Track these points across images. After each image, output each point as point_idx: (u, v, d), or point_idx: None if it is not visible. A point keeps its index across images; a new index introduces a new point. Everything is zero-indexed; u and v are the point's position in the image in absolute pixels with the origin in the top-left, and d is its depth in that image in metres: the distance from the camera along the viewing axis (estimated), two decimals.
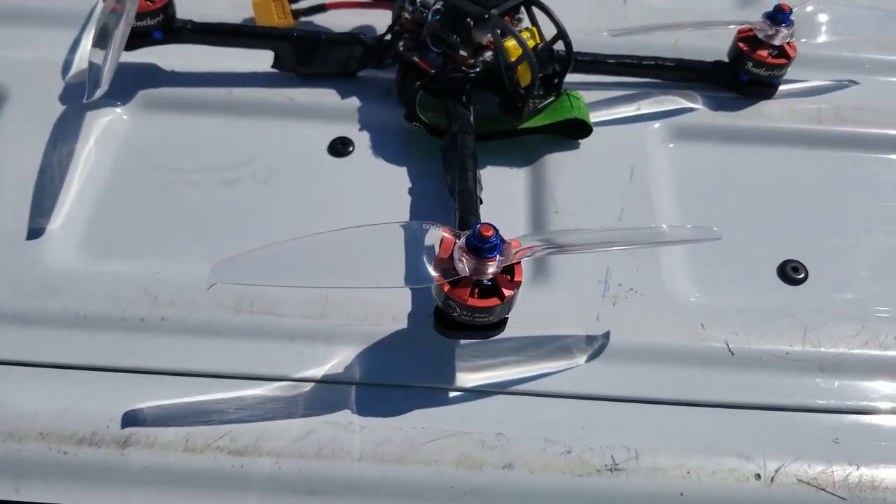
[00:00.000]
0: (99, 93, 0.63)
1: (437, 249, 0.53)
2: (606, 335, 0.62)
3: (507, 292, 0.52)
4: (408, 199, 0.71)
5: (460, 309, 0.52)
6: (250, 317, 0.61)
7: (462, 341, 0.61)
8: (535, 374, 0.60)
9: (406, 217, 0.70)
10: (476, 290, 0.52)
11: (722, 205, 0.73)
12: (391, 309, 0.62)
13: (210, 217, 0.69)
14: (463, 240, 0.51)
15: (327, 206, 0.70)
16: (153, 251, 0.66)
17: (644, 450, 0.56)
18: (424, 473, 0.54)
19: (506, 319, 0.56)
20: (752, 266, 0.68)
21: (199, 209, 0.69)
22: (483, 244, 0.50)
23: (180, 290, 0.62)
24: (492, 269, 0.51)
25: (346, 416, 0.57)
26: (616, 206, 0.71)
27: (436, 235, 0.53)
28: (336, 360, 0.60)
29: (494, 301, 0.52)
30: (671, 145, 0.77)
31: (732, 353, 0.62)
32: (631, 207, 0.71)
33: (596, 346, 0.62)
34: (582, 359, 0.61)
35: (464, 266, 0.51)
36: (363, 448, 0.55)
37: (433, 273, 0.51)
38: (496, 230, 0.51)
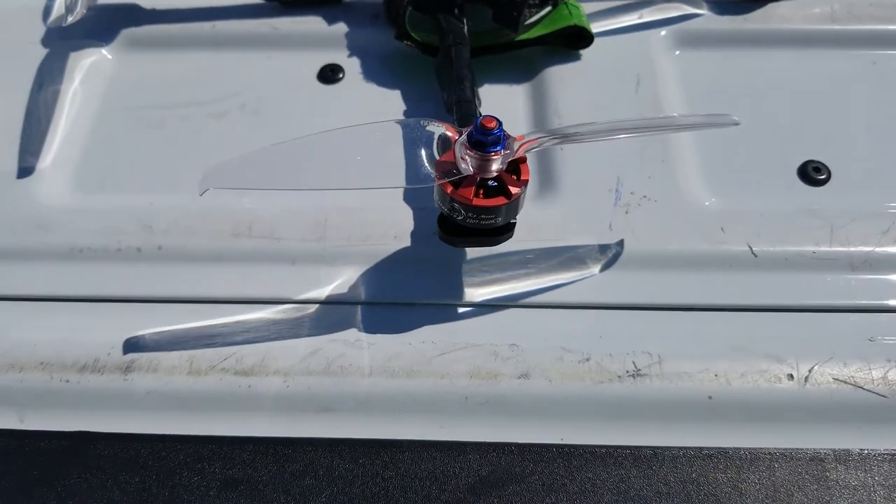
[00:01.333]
0: (75, 16, 0.62)
1: (436, 154, 0.52)
2: (620, 243, 0.61)
3: (513, 190, 0.51)
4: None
5: (465, 211, 0.51)
6: (249, 241, 0.61)
7: (468, 255, 0.60)
8: (547, 286, 0.59)
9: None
10: (481, 192, 0.51)
11: (735, 110, 0.70)
12: (393, 229, 0.62)
13: (200, 149, 0.68)
14: (465, 136, 0.50)
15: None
16: (145, 185, 0.65)
17: (667, 355, 0.55)
18: (437, 386, 0.54)
19: (513, 225, 0.55)
20: (771, 169, 0.67)
21: (189, 142, 0.69)
22: (486, 137, 0.49)
23: (175, 219, 0.62)
24: (496, 164, 0.50)
25: (353, 335, 0.56)
26: (624, 117, 0.69)
27: (437, 132, 0.52)
28: (339, 280, 0.59)
29: (501, 200, 0.51)
30: (678, 52, 0.76)
31: (756, 256, 0.61)
32: (640, 113, 0.69)
33: (610, 254, 0.61)
34: (596, 268, 0.60)
35: (467, 164, 0.50)
36: (372, 364, 0.55)
37: (434, 172, 0.50)
38: (499, 122, 0.49)
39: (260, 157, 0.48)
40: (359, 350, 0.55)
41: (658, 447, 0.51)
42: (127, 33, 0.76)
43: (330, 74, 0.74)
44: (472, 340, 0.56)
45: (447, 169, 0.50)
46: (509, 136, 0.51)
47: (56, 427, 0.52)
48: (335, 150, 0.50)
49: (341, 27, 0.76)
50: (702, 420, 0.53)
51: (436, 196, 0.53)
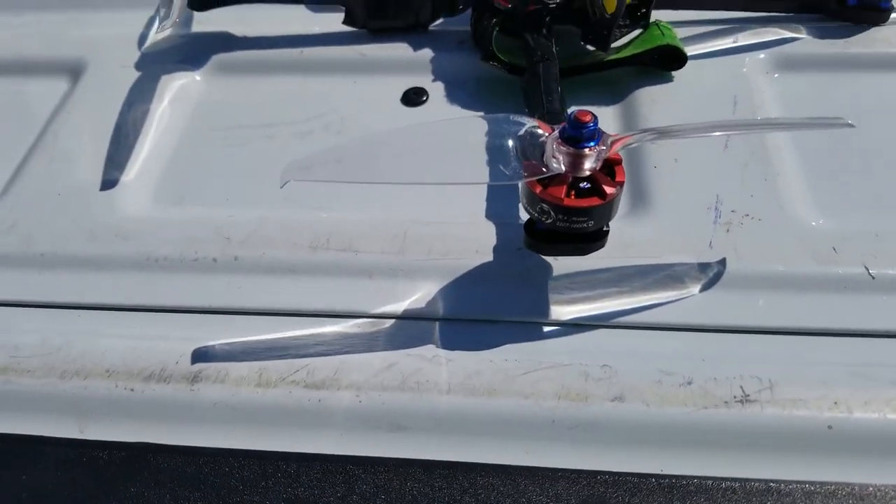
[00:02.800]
0: (170, 22, 0.62)
1: (525, 151, 0.48)
2: (722, 262, 0.55)
3: (608, 190, 0.46)
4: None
5: (555, 213, 0.46)
6: (326, 254, 0.58)
7: (555, 272, 0.55)
8: (641, 306, 0.53)
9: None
10: (572, 193, 0.46)
11: (840, 133, 0.65)
12: (475, 244, 0.57)
13: (283, 165, 0.66)
14: (557, 131, 0.46)
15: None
16: (226, 199, 0.63)
17: (779, 380, 0.48)
18: (521, 406, 0.48)
19: (606, 232, 0.50)
20: (883, 189, 0.60)
21: (272, 159, 0.66)
22: (580, 131, 0.45)
23: (253, 230, 0.59)
24: (590, 162, 0.46)
25: (430, 350, 0.52)
26: (720, 138, 0.64)
27: (527, 127, 0.48)
28: (417, 295, 0.55)
29: (594, 200, 0.46)
30: (776, 75, 0.70)
31: (873, 278, 0.53)
32: (737, 137, 0.64)
33: (711, 274, 0.55)
34: (695, 288, 0.54)
35: (559, 162, 0.46)
36: (451, 381, 0.50)
37: (523, 170, 0.46)
38: (594, 116, 0.45)
39: (341, 149, 0.45)
40: (437, 366, 0.50)
41: (772, 480, 0.44)
42: (217, 59, 0.76)
43: (414, 97, 0.72)
44: (560, 360, 0.50)
45: (536, 167, 0.46)
46: (604, 132, 0.46)
47: (116, 437, 0.48)
48: (418, 143, 0.47)
49: (427, 53, 0.75)
50: (821, 452, 0.46)
51: (523, 198, 0.48)
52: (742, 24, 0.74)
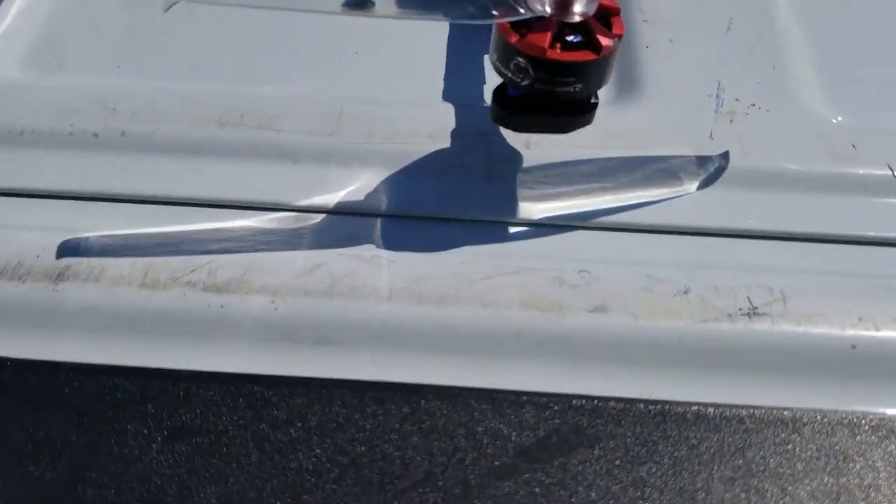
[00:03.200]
0: None
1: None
2: (725, 156, 0.45)
3: (604, 42, 0.35)
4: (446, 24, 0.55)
5: (534, 70, 0.36)
6: (238, 131, 0.46)
7: (526, 162, 0.45)
8: (628, 204, 0.44)
9: (443, 46, 0.54)
10: (558, 46, 0.36)
11: (859, 19, 0.55)
12: (428, 126, 0.46)
13: (196, 30, 0.53)
14: None
15: (342, 26, 0.54)
16: (117, 65, 0.50)
17: (793, 291, 0.39)
18: (479, 317, 0.38)
19: (595, 104, 0.39)
20: None
21: (179, 21, 0.54)
22: None
23: (147, 102, 0.47)
24: (582, 4, 0.35)
25: (368, 250, 0.41)
26: (723, 15, 0.54)
27: None
28: (354, 185, 0.44)
29: (586, 55, 0.35)
30: None
31: None
32: (742, 20, 0.54)
33: (711, 169, 0.45)
34: (693, 184, 0.44)
35: (543, 1, 0.35)
36: (393, 285, 0.39)
37: (494, 10, 0.35)
38: None
39: None
40: (376, 268, 0.40)
41: (784, 408, 0.35)
42: None
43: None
44: (528, 264, 0.40)
45: (512, 7, 0.35)
46: None
47: None
48: None
49: None
50: (843, 375, 0.38)
51: (494, 51, 0.37)
52: None
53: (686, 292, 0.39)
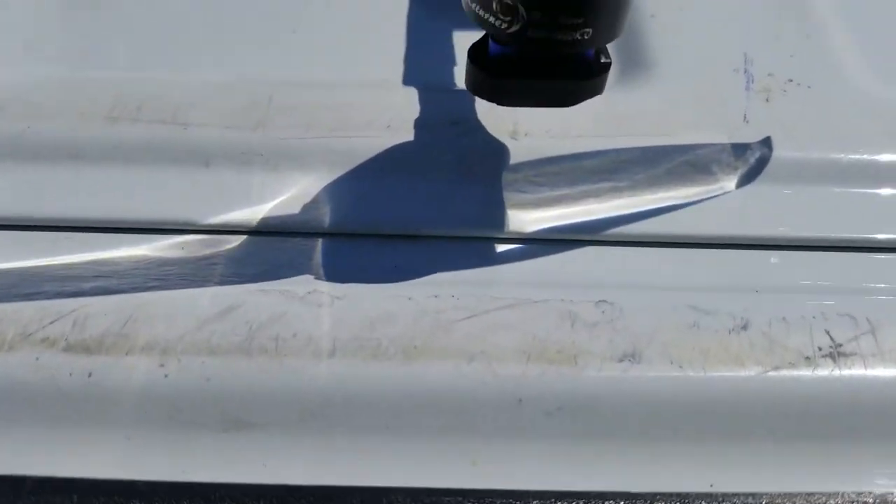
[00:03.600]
0: None
1: None
2: (766, 143, 0.35)
3: None
4: None
5: (527, 8, 0.24)
6: (133, 128, 0.34)
7: (514, 157, 0.34)
8: (652, 208, 0.33)
9: (404, 21, 0.43)
10: None
11: None
12: (385, 115, 0.35)
13: (89, 9, 0.41)
14: None
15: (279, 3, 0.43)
16: None
17: (882, 319, 0.29)
18: (462, 376, 0.27)
19: (608, 66, 0.28)
20: None
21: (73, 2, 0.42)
22: None
23: (17, 94, 0.35)
24: None
25: (304, 283, 0.29)
26: None
27: None
28: (287, 195, 0.32)
29: None
30: None
31: None
32: None
33: (751, 160, 0.34)
34: (731, 180, 0.34)
35: None
36: (338, 333, 0.27)
37: None
38: None
39: None
40: (313, 308, 0.28)
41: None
42: None
43: None
44: (527, 294, 0.29)
45: None
46: None
47: None
48: None
49: None
50: None
51: None
52: None
53: (745, 327, 0.28)
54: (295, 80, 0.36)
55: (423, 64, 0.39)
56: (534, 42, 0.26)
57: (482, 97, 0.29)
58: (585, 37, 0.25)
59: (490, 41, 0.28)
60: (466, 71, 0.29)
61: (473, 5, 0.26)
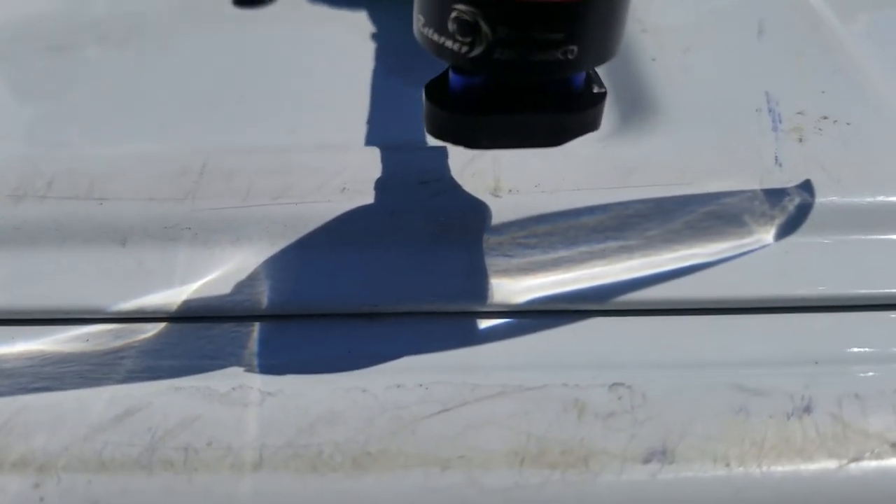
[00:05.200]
0: None
1: None
2: (806, 187, 0.31)
3: None
4: (368, 50, 0.42)
5: (490, 23, 0.21)
6: (42, 205, 0.30)
7: (496, 216, 0.29)
8: (669, 270, 0.28)
9: (366, 81, 0.40)
10: None
11: None
12: (340, 176, 0.31)
13: (7, 89, 0.39)
14: None
15: (227, 67, 0.41)
16: None
17: None
18: (435, 491, 0.21)
19: (602, 95, 0.24)
20: None
21: None
22: None
23: None
24: None
25: (229, 377, 0.24)
26: (748, 18, 0.41)
27: None
28: (217, 272, 0.28)
29: None
30: None
31: None
32: (774, 16, 0.41)
33: (790, 207, 0.30)
34: (767, 232, 0.29)
35: None
36: (267, 439, 0.22)
37: None
38: None
39: None
40: (238, 408, 0.23)
41: None
42: None
43: None
44: (516, 379, 0.24)
45: None
46: None
47: None
48: None
49: None
50: None
51: (418, 9, 0.23)
52: None
53: (807, 409, 0.23)
54: (234, 144, 0.33)
55: (385, 124, 0.36)
56: (504, 66, 0.22)
57: (447, 141, 0.25)
58: (570, 56, 0.21)
59: (451, 72, 0.25)
60: (425, 113, 0.25)
61: (425, 29, 0.23)
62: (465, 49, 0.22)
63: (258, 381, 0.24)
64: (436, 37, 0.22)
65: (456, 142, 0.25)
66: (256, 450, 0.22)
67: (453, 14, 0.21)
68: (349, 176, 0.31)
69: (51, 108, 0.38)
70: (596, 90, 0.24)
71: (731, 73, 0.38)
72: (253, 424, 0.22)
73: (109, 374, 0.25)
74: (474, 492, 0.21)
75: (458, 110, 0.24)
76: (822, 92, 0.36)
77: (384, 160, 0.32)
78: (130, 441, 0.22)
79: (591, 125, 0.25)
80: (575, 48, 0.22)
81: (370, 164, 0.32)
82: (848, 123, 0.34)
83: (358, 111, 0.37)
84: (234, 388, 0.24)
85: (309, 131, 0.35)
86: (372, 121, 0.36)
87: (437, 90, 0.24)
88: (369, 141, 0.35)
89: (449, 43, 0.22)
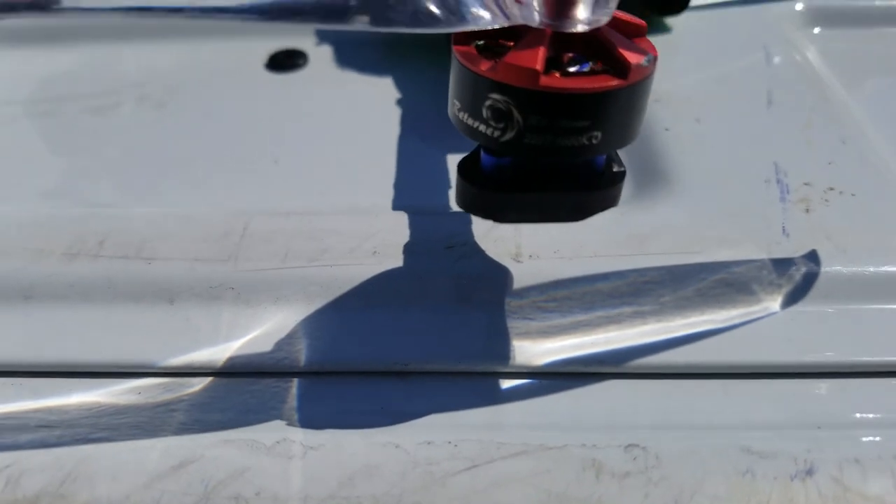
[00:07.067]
0: None
1: None
2: (812, 258, 0.34)
3: (633, 60, 0.24)
4: (395, 115, 0.46)
5: (522, 111, 0.24)
6: (94, 264, 0.34)
7: (517, 280, 0.32)
8: (680, 336, 0.31)
9: (394, 146, 0.44)
10: (555, 73, 0.25)
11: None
12: (371, 240, 0.34)
13: (51, 149, 0.43)
14: None
15: (261, 130, 0.45)
16: None
17: None
18: None
19: (622, 175, 0.28)
20: None
21: (45, 140, 0.44)
22: None
23: None
24: (586, 8, 0.24)
25: (274, 430, 0.27)
26: (758, 88, 0.45)
27: None
28: (258, 331, 0.31)
29: (606, 80, 0.24)
30: (817, 30, 0.53)
31: None
32: (785, 92, 0.45)
33: (797, 276, 0.33)
34: (774, 300, 0.32)
35: (529, 3, 0.24)
36: (309, 491, 0.25)
37: (453, 17, 0.24)
38: None
39: None
40: (283, 461, 0.26)
41: None
42: None
43: (285, 61, 0.51)
44: (538, 439, 0.27)
45: (480, 12, 0.24)
46: None
47: None
48: None
49: None
50: None
51: (453, 94, 0.26)
52: None
53: (810, 472, 0.25)
54: (272, 208, 0.36)
55: (413, 189, 0.39)
56: (533, 150, 0.25)
57: (477, 215, 0.29)
58: (594, 141, 0.25)
59: (482, 152, 0.28)
60: (457, 188, 0.28)
61: (461, 113, 0.26)
62: (497, 133, 0.25)
63: (300, 435, 0.27)
64: (470, 121, 0.26)
65: (485, 216, 0.28)
66: (302, 500, 0.25)
67: (488, 102, 0.25)
68: (379, 240, 0.34)
69: (97, 167, 0.42)
70: (616, 169, 0.28)
71: (742, 142, 0.41)
72: (297, 476, 0.25)
73: (162, 427, 0.28)
74: None
75: (488, 187, 0.27)
76: (829, 163, 0.39)
77: (412, 225, 0.35)
78: (185, 490, 0.25)
79: (611, 202, 0.28)
80: (599, 134, 0.25)
81: (398, 228, 0.35)
82: (853, 195, 0.37)
83: (386, 174, 0.40)
84: (278, 442, 0.27)
85: (340, 194, 0.39)
86: (399, 184, 0.40)
87: (468, 168, 0.27)
88: (397, 204, 0.38)
89: (482, 127, 0.25)
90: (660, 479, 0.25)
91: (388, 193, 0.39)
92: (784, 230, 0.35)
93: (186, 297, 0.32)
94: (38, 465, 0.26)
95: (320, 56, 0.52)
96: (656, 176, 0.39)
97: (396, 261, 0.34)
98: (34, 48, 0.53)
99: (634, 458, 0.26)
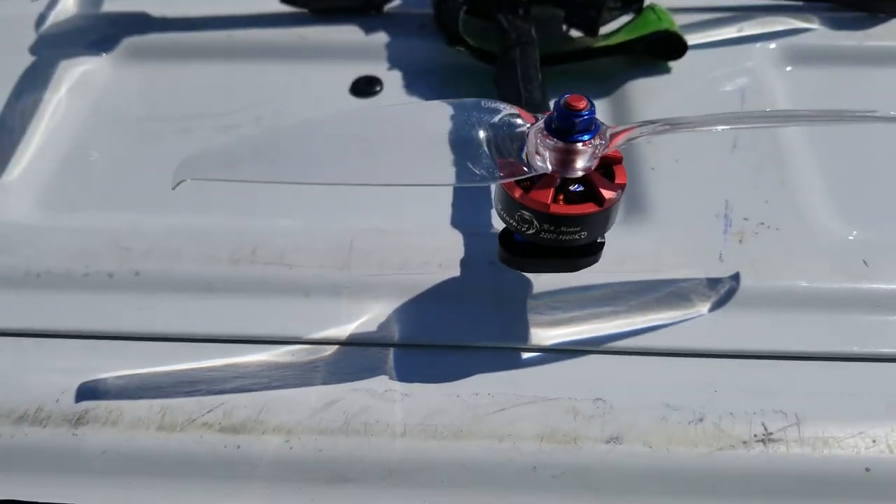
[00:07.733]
0: None
1: (501, 146, 0.44)
2: (736, 277, 0.52)
3: (607, 195, 0.43)
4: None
5: (539, 222, 0.43)
6: (251, 268, 0.53)
7: (535, 289, 0.52)
8: (640, 328, 0.50)
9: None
10: (561, 198, 0.43)
11: (862, 133, 0.64)
12: (437, 255, 0.54)
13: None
14: (542, 121, 0.43)
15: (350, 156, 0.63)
16: (128, 203, 0.59)
17: (806, 415, 0.45)
18: (495, 451, 0.44)
19: (602, 245, 0.46)
20: None
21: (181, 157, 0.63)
22: (572, 121, 0.41)
23: (160, 241, 0.55)
24: (584, 160, 0.42)
25: (382, 383, 0.47)
26: (728, 137, 0.62)
27: (503, 115, 0.44)
28: (366, 317, 0.51)
29: (589, 207, 0.42)
30: (788, 69, 0.69)
31: None
32: (747, 138, 0.62)
33: (722, 290, 0.52)
34: (704, 307, 0.51)
35: (544, 159, 0.42)
36: (407, 420, 0.45)
37: (498, 170, 0.42)
38: (591, 102, 0.42)
39: (261, 139, 0.41)
40: (389, 403, 0.46)
41: None
42: (130, 42, 0.72)
43: (365, 87, 0.69)
44: (542, 394, 0.47)
45: (515, 166, 0.42)
46: (602, 123, 0.43)
47: None
48: (363, 133, 0.44)
49: (381, 37, 0.72)
50: (859, 498, 0.43)
51: (497, 203, 0.45)
52: (746, 13, 0.73)
53: (701, 420, 0.45)
54: (370, 228, 0.55)
55: (465, 210, 0.57)
56: (544, 241, 0.44)
57: (509, 267, 0.48)
58: (582, 237, 0.43)
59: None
60: (498, 249, 0.47)
61: (502, 213, 0.44)
62: (523, 229, 0.44)
63: (398, 387, 0.47)
64: (506, 218, 0.44)
65: (514, 268, 0.47)
66: (402, 426, 0.45)
67: (517, 213, 0.43)
68: (444, 256, 0.53)
69: (241, 187, 0.61)
70: (599, 240, 0.46)
71: (707, 181, 0.59)
72: (399, 412, 0.45)
73: (312, 379, 0.48)
74: (517, 456, 0.44)
75: (515, 254, 0.46)
76: (766, 202, 0.57)
77: (465, 244, 0.54)
78: (335, 418, 0.45)
79: (594, 261, 0.47)
80: (585, 233, 0.44)
81: (456, 245, 0.54)
82: (777, 229, 0.55)
83: (447, 204, 0.58)
84: (385, 391, 0.47)
85: (418, 218, 0.56)
86: (456, 204, 0.58)
87: (505, 239, 0.46)
88: (455, 223, 0.57)
89: (514, 224, 0.44)
90: (611, 420, 0.45)
91: (447, 214, 0.58)
92: (721, 257, 0.54)
93: (316, 292, 0.52)
94: (242, 402, 0.46)
95: (392, 81, 0.69)
96: (640, 207, 0.57)
97: (455, 271, 0.53)
98: (173, 64, 0.71)
99: (598, 407, 0.46)
